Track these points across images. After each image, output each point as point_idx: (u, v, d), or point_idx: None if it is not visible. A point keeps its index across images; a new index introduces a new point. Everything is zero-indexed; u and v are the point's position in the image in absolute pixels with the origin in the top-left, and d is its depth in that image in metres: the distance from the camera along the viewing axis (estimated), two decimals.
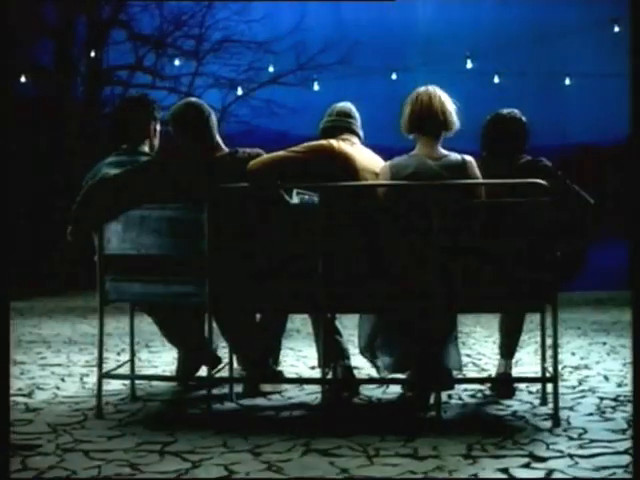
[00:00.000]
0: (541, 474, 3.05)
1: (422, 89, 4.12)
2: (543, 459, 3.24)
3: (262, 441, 3.55)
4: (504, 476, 3.04)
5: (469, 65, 11.86)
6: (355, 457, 3.31)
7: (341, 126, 4.30)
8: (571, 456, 3.28)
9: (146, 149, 4.58)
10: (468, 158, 4.06)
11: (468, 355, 5.79)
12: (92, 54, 14.84)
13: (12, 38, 11.31)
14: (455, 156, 4.04)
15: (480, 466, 3.17)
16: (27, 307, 9.64)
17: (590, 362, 5.49)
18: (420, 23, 14.80)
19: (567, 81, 11.96)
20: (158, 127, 4.68)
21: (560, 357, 4.59)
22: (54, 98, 14.45)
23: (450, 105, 4.10)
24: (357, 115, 4.40)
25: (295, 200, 4.42)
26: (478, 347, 6.29)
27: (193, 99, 4.49)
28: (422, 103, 4.08)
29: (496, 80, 11.60)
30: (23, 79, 13.49)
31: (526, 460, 3.23)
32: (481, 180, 4.05)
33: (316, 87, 14.72)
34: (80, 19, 15.38)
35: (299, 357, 5.87)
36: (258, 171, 4.01)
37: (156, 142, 4.66)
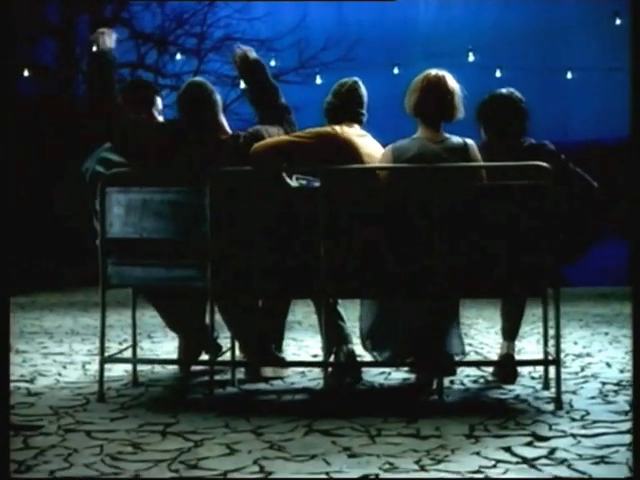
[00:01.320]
0: (544, 452, 3.05)
1: (432, 73, 4.09)
2: (546, 438, 3.24)
3: (264, 422, 3.55)
4: (507, 454, 3.03)
5: (471, 59, 11.85)
6: (357, 437, 3.31)
7: (345, 110, 4.26)
8: (574, 436, 3.28)
9: None
10: (470, 141, 4.06)
11: (470, 344, 5.77)
12: (94, 50, 14.85)
13: (13, 37, 11.32)
14: (457, 139, 4.04)
15: (483, 445, 3.17)
16: (28, 302, 9.63)
17: (592, 350, 5.48)
18: (422, 20, 14.82)
19: (569, 75, 11.93)
20: (157, 111, 4.67)
21: (563, 346, 4.58)
22: (56, 96, 14.46)
23: (457, 92, 4.08)
24: (364, 96, 4.33)
25: (294, 185, 4.42)
26: (480, 337, 6.28)
27: (196, 78, 4.51)
28: (429, 88, 4.06)
29: (498, 74, 11.61)
30: (26, 76, 13.49)
31: (529, 439, 3.23)
32: (484, 163, 4.04)
33: (318, 83, 14.71)
34: (82, 17, 15.41)
35: (301, 346, 5.86)
36: (262, 154, 4.01)
37: None
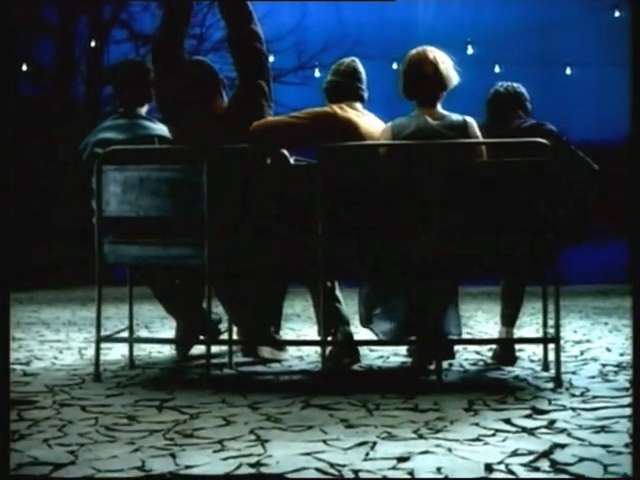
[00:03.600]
0: (544, 423, 3.02)
1: (413, 52, 4.07)
2: (545, 411, 3.22)
3: (261, 398, 3.52)
4: (506, 425, 3.00)
5: (470, 52, 11.82)
6: (355, 411, 3.28)
7: (345, 87, 4.22)
8: (574, 409, 3.25)
9: (144, 112, 4.57)
10: (469, 119, 4.02)
11: (469, 333, 5.75)
12: (93, 49, 14.85)
13: (13, 38, 11.32)
14: (456, 116, 4.00)
15: (482, 417, 3.14)
16: (27, 297, 9.59)
17: (592, 337, 5.45)
18: (421, 17, 14.81)
19: (568, 70, 11.91)
20: None
21: (562, 334, 4.52)
22: (55, 97, 14.46)
23: (444, 62, 4.02)
24: (362, 73, 4.28)
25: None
26: (479, 327, 6.24)
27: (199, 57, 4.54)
28: (413, 67, 4.03)
29: (497, 70, 11.61)
30: (24, 77, 13.50)
31: (528, 412, 3.21)
32: (483, 139, 4.01)
33: (317, 76, 14.68)
34: (81, 19, 15.41)
35: (299, 335, 5.82)
36: (261, 133, 3.98)
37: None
